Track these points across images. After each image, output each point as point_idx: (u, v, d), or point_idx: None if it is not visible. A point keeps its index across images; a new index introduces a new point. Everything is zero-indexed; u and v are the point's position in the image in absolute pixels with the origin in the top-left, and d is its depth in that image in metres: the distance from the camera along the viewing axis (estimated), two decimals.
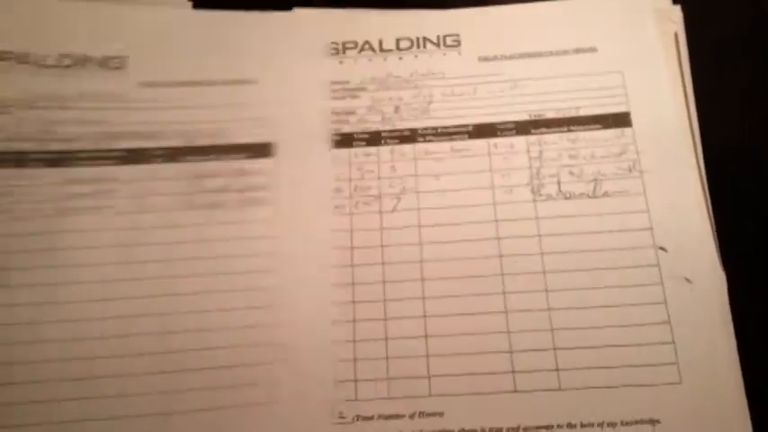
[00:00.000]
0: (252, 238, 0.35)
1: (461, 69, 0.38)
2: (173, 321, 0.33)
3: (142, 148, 0.36)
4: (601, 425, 0.30)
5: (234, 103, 0.37)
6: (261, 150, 0.37)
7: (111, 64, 0.38)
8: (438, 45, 0.39)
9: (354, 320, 0.33)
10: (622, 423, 0.30)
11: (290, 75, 0.38)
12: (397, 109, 0.37)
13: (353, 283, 0.34)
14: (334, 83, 0.38)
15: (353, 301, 0.33)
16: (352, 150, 0.37)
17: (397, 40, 0.39)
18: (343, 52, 0.39)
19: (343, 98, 0.38)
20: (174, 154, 0.36)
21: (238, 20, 0.39)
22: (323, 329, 0.33)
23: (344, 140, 0.37)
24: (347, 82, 0.38)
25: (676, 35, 0.38)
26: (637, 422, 0.30)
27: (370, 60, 0.39)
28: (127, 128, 0.37)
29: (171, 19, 0.39)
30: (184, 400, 0.31)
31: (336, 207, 0.35)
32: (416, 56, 0.39)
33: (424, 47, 0.39)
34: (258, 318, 0.33)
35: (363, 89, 0.38)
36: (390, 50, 0.39)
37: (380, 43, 0.39)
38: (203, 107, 0.37)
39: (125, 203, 0.35)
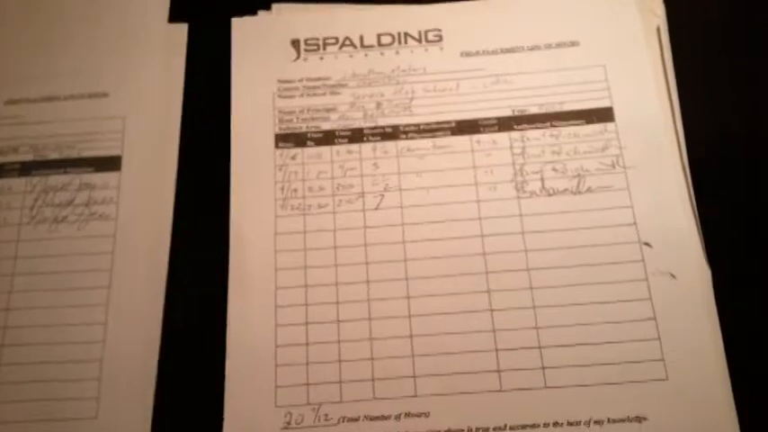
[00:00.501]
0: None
1: (443, 65, 0.37)
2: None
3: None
4: (587, 423, 0.30)
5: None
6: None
7: None
8: (419, 41, 0.38)
9: (338, 321, 0.33)
10: (609, 421, 0.30)
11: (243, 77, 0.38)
12: (378, 105, 0.37)
13: (337, 284, 0.33)
14: (281, 81, 0.37)
15: (337, 302, 0.33)
16: (334, 148, 0.36)
17: (379, 36, 0.38)
18: (324, 48, 0.38)
19: (323, 95, 0.37)
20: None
21: None
22: (299, 332, 0.32)
23: (326, 138, 0.36)
24: (328, 78, 0.38)
25: (659, 28, 0.38)
26: (623, 420, 0.30)
27: (351, 56, 0.38)
28: None
29: None
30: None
31: (318, 206, 0.35)
32: (398, 51, 0.38)
33: (406, 42, 0.38)
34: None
35: (344, 85, 0.37)
36: (371, 46, 0.38)
37: (361, 39, 0.38)
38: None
39: None
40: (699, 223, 0.33)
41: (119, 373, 0.32)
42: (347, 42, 0.38)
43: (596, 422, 0.30)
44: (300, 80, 0.38)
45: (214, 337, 0.33)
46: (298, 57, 0.38)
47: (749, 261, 0.33)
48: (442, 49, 0.38)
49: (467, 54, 0.38)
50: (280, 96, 0.37)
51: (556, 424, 0.30)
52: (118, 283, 0.34)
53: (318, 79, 0.38)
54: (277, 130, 0.37)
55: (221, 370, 0.32)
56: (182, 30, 0.39)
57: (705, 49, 0.38)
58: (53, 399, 0.32)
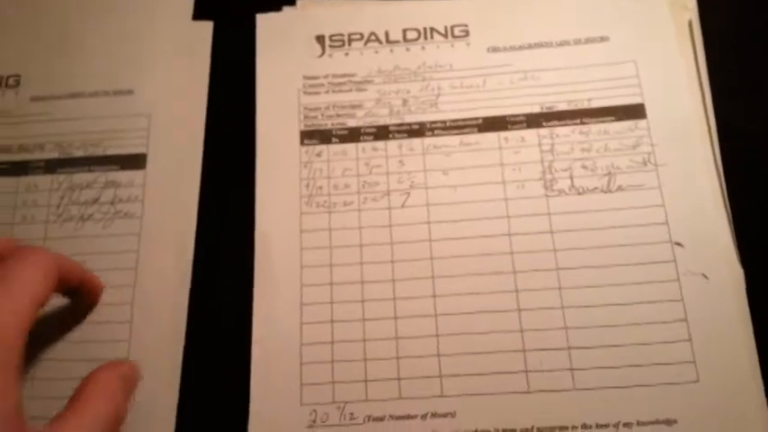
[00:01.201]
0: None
1: (470, 61, 0.37)
2: None
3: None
4: (616, 425, 0.30)
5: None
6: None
7: (8, 82, 0.39)
8: (446, 36, 0.38)
9: (363, 319, 0.33)
10: (638, 423, 0.30)
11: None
12: (404, 102, 0.37)
13: (362, 282, 0.33)
14: (306, 77, 0.38)
15: (363, 300, 0.33)
16: (360, 145, 0.36)
17: (404, 31, 0.38)
18: (349, 44, 0.38)
19: (349, 91, 0.37)
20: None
21: None
22: (324, 330, 0.32)
23: (351, 135, 0.36)
24: (353, 74, 0.38)
25: (690, 23, 0.37)
26: (653, 422, 0.30)
27: (376, 52, 0.38)
28: (13, 141, 0.37)
29: None
30: None
31: (343, 203, 0.35)
32: (424, 47, 0.38)
33: (432, 38, 0.38)
34: None
35: (370, 82, 0.37)
36: (397, 42, 0.38)
37: (387, 34, 0.38)
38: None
39: (5, 215, 0.36)
40: (732, 223, 0.33)
41: (144, 372, 0.33)
42: (372, 38, 0.38)
43: (625, 425, 0.30)
44: (326, 76, 0.38)
45: (239, 336, 0.33)
46: (323, 53, 0.38)
47: None
48: (468, 44, 0.38)
49: (494, 50, 0.37)
50: (305, 93, 0.37)
51: (584, 426, 0.30)
52: (143, 282, 0.34)
53: (344, 75, 0.38)
54: (302, 127, 0.37)
55: (247, 368, 0.32)
56: (206, 27, 0.39)
57: (738, 43, 0.37)
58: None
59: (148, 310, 0.34)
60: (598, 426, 0.30)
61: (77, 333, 0.34)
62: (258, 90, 0.38)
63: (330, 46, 0.38)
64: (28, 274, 0.27)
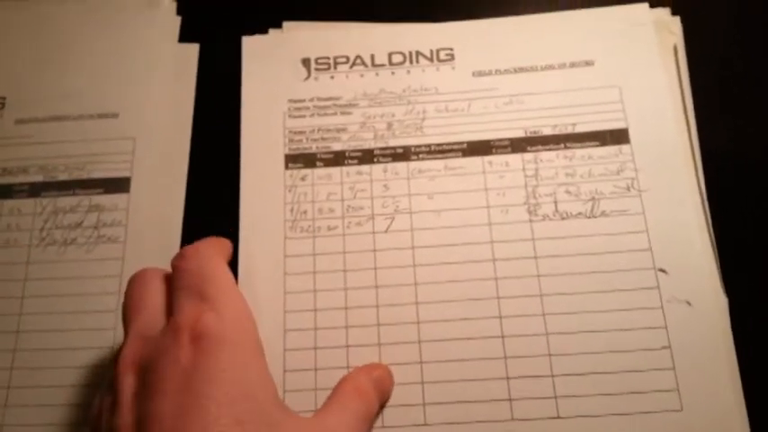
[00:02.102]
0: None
1: (455, 85, 0.38)
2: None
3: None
4: None
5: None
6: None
7: None
8: (431, 60, 0.38)
9: (347, 346, 0.33)
10: None
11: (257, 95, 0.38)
12: (389, 126, 0.37)
13: (346, 308, 0.34)
14: (292, 101, 0.38)
15: (347, 326, 0.33)
16: (344, 169, 0.37)
17: (390, 55, 0.39)
18: (335, 67, 0.39)
19: (334, 114, 0.38)
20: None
21: None
22: (308, 356, 0.33)
23: (336, 158, 0.37)
24: (339, 98, 0.38)
25: (675, 47, 0.37)
26: None
27: (362, 75, 0.38)
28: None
29: None
30: None
31: (327, 228, 0.35)
32: (409, 71, 0.38)
33: (417, 61, 0.38)
34: None
35: (355, 105, 0.38)
36: (383, 65, 0.39)
37: (372, 58, 0.39)
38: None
39: None
40: (716, 249, 0.33)
41: None
42: (358, 61, 0.39)
43: None
44: (311, 99, 0.38)
45: None
46: (308, 76, 0.39)
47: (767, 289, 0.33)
48: (453, 68, 0.38)
49: (479, 73, 0.38)
50: (290, 116, 0.38)
51: None
52: None
53: (329, 99, 0.38)
54: (287, 151, 0.37)
55: None
56: (192, 49, 0.40)
57: (723, 68, 0.38)
58: (64, 424, 0.33)
59: None
60: None
61: (61, 357, 0.34)
62: (243, 113, 0.38)
63: (316, 69, 0.39)
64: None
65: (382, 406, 0.31)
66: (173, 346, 0.26)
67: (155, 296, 0.29)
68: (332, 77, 0.38)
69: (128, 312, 0.29)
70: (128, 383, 0.26)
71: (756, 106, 0.37)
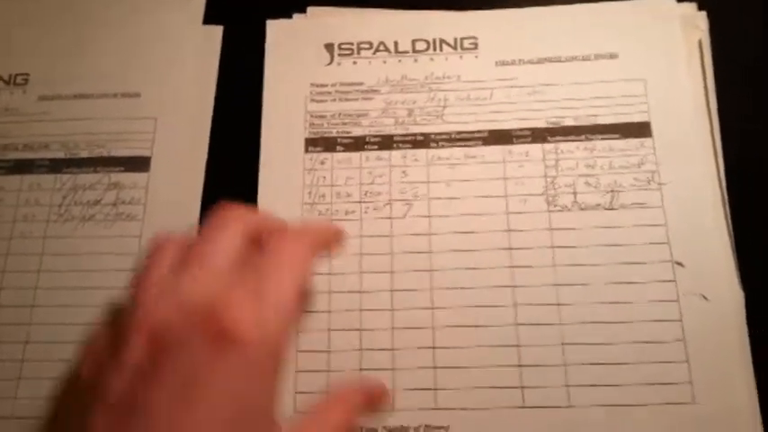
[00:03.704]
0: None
1: (478, 73, 0.39)
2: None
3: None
4: None
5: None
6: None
7: (16, 81, 0.41)
8: (455, 48, 0.39)
9: (360, 329, 0.34)
10: None
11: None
12: (410, 112, 0.38)
13: (361, 291, 0.35)
14: (314, 85, 0.39)
15: (360, 310, 0.34)
16: (364, 154, 0.38)
17: (413, 42, 0.40)
18: (358, 53, 0.40)
19: (355, 100, 0.39)
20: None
21: None
22: (321, 338, 0.34)
23: (356, 143, 0.38)
24: (361, 83, 0.39)
25: (701, 42, 0.38)
26: None
27: (384, 62, 0.40)
28: (19, 139, 0.39)
29: None
30: None
31: (345, 212, 0.36)
32: (432, 58, 0.39)
33: (441, 49, 0.40)
34: None
35: (377, 91, 0.39)
36: (406, 52, 0.40)
37: (396, 45, 0.40)
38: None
39: (8, 212, 0.38)
40: (734, 245, 0.34)
41: None
42: (381, 47, 0.40)
43: None
44: (333, 84, 0.39)
45: None
46: (331, 61, 0.40)
47: None
48: (477, 56, 0.39)
49: (502, 63, 0.39)
50: (312, 100, 0.39)
51: None
52: None
53: (351, 84, 0.39)
54: (307, 135, 0.38)
55: None
56: (216, 32, 0.41)
57: (747, 63, 0.38)
58: None
59: None
60: None
61: (75, 332, 0.35)
62: (265, 96, 0.39)
63: (339, 54, 0.40)
64: (286, 278, 0.25)
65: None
66: (195, 336, 0.23)
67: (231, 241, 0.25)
68: (354, 63, 0.40)
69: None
70: (138, 346, 0.23)
71: None
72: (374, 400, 0.28)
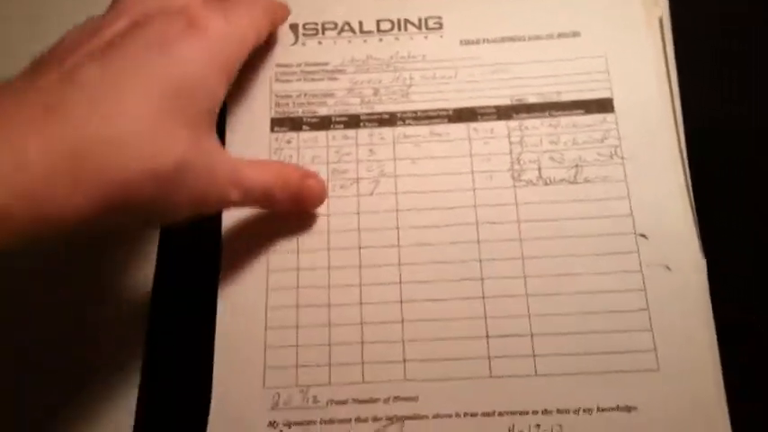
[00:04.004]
0: None
1: (442, 52, 0.39)
2: None
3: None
4: (577, 411, 0.31)
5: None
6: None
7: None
8: (419, 28, 0.40)
9: (329, 305, 0.34)
10: (599, 409, 0.31)
11: None
12: (376, 92, 0.38)
13: (329, 267, 0.35)
14: (279, 65, 0.39)
15: (329, 286, 0.34)
16: (330, 133, 0.38)
17: (378, 22, 0.40)
18: (323, 33, 0.40)
19: (321, 80, 0.39)
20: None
21: None
22: (290, 315, 0.34)
23: (322, 122, 0.38)
24: (326, 63, 0.39)
25: (661, 19, 0.39)
26: (613, 409, 0.31)
27: (349, 42, 0.40)
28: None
29: None
30: None
31: None
32: (397, 38, 0.40)
33: (406, 29, 0.40)
34: None
35: (342, 71, 0.39)
36: (371, 32, 0.40)
37: (360, 25, 0.40)
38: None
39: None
40: (695, 215, 0.35)
41: (103, 357, 0.34)
42: (346, 28, 0.40)
43: (585, 410, 0.31)
44: (299, 65, 0.39)
45: (205, 319, 0.34)
46: (296, 41, 0.40)
47: (745, 254, 0.35)
48: (442, 36, 0.39)
49: (467, 42, 0.39)
50: (277, 80, 0.39)
51: (545, 411, 0.31)
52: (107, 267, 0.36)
53: (316, 64, 0.39)
54: (273, 114, 0.38)
55: (210, 351, 0.33)
56: None
57: (707, 40, 0.39)
58: None
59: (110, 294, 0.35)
60: (559, 411, 0.31)
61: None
62: None
63: (304, 34, 0.40)
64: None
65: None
66: (170, 19, 0.29)
67: None
68: (319, 43, 0.40)
69: None
70: (119, 23, 0.29)
71: (740, 79, 0.38)
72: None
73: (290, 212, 0.35)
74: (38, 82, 0.27)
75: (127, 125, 0.26)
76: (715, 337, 0.32)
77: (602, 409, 0.31)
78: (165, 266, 0.36)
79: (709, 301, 0.33)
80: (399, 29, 0.40)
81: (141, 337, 0.34)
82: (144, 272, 0.36)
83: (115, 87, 0.27)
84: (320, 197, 0.35)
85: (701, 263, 0.34)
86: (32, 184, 0.24)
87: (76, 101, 0.26)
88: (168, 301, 0.35)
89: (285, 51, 0.40)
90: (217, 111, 0.31)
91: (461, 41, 0.39)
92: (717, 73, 0.38)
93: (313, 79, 0.39)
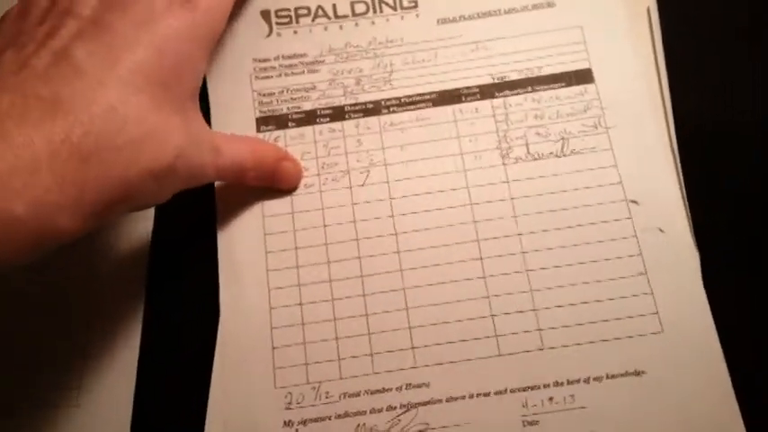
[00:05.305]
0: None
1: (420, 34, 0.38)
2: None
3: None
4: (587, 380, 0.31)
5: None
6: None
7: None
8: (394, 8, 0.39)
9: (333, 299, 0.34)
10: (608, 376, 0.32)
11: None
12: (358, 81, 0.38)
13: (329, 262, 0.34)
14: (257, 60, 0.38)
15: (330, 280, 0.34)
16: (317, 128, 0.37)
17: (352, 4, 0.39)
18: (297, 21, 0.39)
19: (301, 73, 0.38)
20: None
21: None
22: (294, 313, 0.33)
23: (308, 118, 0.37)
24: (304, 55, 0.38)
25: None
26: (622, 374, 0.32)
27: (325, 29, 0.39)
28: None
29: None
30: None
31: (304, 186, 0.36)
32: (373, 21, 0.39)
33: (381, 11, 0.39)
34: None
35: (322, 62, 0.38)
36: (345, 16, 0.39)
37: (334, 8, 0.39)
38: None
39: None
40: (681, 177, 0.35)
41: (101, 360, 0.33)
42: (320, 13, 0.39)
43: (595, 379, 0.31)
44: (276, 58, 0.38)
45: (206, 323, 0.34)
46: (270, 31, 0.39)
47: (730, 212, 0.35)
48: (418, 15, 0.39)
49: (443, 21, 0.38)
50: (257, 77, 0.38)
51: (556, 383, 0.31)
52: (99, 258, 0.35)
53: (294, 56, 0.38)
54: (258, 114, 0.37)
55: (210, 356, 0.33)
56: None
57: (695, 5, 0.38)
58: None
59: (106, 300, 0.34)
60: (569, 382, 0.31)
61: None
62: (209, 77, 0.38)
63: (277, 23, 0.39)
64: None
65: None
66: None
67: None
68: (295, 32, 0.39)
69: None
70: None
71: (725, 41, 0.38)
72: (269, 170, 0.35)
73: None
74: (27, 63, 0.26)
75: (127, 120, 0.26)
76: (704, 293, 0.33)
77: (612, 376, 0.31)
78: (160, 267, 0.35)
79: (698, 260, 0.33)
80: (374, 11, 0.39)
81: (135, 345, 0.34)
82: (136, 290, 0.35)
83: (109, 74, 0.26)
84: (295, 180, 0.36)
85: (689, 223, 0.34)
86: (44, 193, 0.23)
87: (77, 91, 0.25)
88: (166, 312, 0.34)
89: (260, 44, 0.38)
90: (198, 87, 0.31)
91: (438, 20, 0.39)
92: (699, 31, 0.38)
93: (293, 73, 0.38)
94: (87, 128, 0.25)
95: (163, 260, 0.35)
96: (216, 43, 0.32)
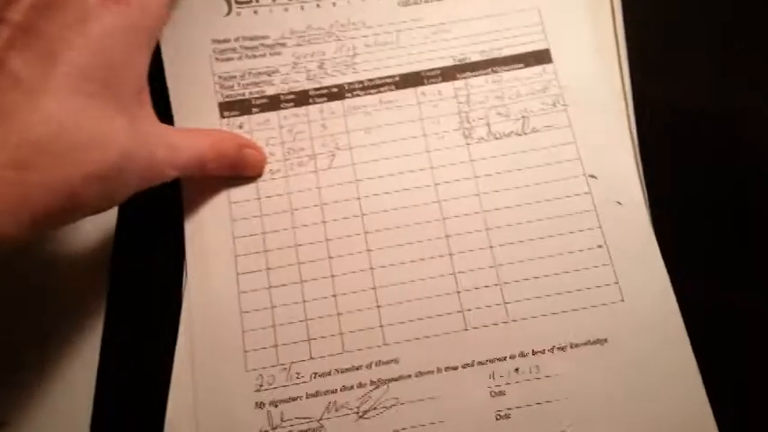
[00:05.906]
0: None
1: (382, 16, 0.38)
2: None
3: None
4: (552, 350, 0.32)
5: None
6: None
7: None
8: None
9: (301, 281, 0.34)
10: (572, 345, 0.32)
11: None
12: (321, 65, 0.38)
13: (296, 245, 0.34)
14: (216, 41, 0.38)
15: (298, 263, 0.34)
16: (281, 113, 0.37)
17: None
18: (257, 1, 0.39)
19: (263, 56, 0.38)
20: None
21: None
22: (263, 297, 0.33)
23: (272, 103, 0.37)
24: (266, 37, 0.38)
25: None
26: (585, 343, 0.32)
27: (286, 10, 0.38)
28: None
29: None
30: None
31: (270, 171, 0.36)
32: (335, 3, 0.39)
33: None
34: None
35: (283, 44, 0.38)
36: None
37: None
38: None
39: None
40: (638, 152, 0.35)
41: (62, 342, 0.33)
42: None
43: (560, 348, 0.32)
44: (236, 39, 0.38)
45: (172, 307, 0.33)
46: (229, 11, 0.38)
47: (686, 184, 0.36)
48: None
49: (405, 3, 0.39)
50: (217, 59, 0.37)
51: (521, 354, 0.32)
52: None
53: (255, 38, 0.38)
54: (220, 99, 0.37)
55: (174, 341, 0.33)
56: None
57: None
58: None
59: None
60: (534, 352, 0.32)
61: None
62: (166, 60, 0.37)
63: (237, 2, 0.38)
64: None
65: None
66: None
67: None
68: (255, 12, 0.38)
69: None
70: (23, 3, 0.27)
71: (684, 18, 0.39)
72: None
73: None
74: None
75: (65, 125, 0.25)
76: (663, 264, 0.33)
77: (576, 345, 0.32)
78: (124, 252, 0.35)
79: (651, 227, 0.34)
80: None
81: (100, 317, 0.33)
82: (98, 277, 0.34)
83: (46, 81, 0.25)
84: (259, 166, 0.36)
85: (645, 196, 0.35)
86: None
87: (13, 101, 0.25)
88: (128, 290, 0.34)
89: (219, 24, 0.38)
90: (145, 85, 0.30)
91: (399, 3, 0.39)
92: (659, 7, 0.39)
93: (254, 56, 0.38)
94: (25, 135, 0.24)
95: (127, 245, 0.35)
96: (157, 39, 0.31)
